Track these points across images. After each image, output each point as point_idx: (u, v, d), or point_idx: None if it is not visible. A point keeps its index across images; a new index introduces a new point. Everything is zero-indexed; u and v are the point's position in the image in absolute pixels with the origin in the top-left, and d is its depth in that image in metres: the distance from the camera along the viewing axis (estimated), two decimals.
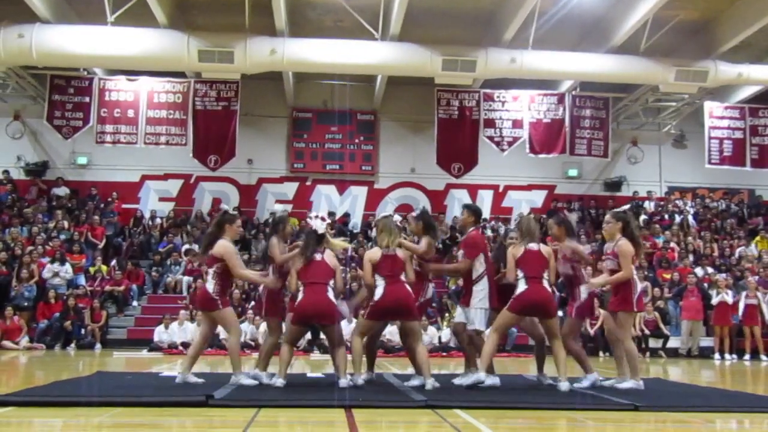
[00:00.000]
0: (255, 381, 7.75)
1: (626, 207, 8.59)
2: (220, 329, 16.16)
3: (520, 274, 7.60)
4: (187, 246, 19.41)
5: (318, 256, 7.63)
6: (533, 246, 7.67)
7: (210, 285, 7.78)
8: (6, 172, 20.89)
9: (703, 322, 17.43)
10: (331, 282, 7.62)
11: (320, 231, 7.63)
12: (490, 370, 7.74)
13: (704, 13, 17.58)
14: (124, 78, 19.02)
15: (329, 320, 7.59)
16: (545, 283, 7.61)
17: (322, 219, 7.82)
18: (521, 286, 7.57)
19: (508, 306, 7.61)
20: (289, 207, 20.69)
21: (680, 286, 17.93)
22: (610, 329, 8.34)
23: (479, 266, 7.97)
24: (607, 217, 8.28)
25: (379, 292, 7.57)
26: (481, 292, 7.91)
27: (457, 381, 8.16)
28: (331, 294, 7.55)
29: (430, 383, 7.50)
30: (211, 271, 7.82)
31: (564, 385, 7.49)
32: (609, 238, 8.05)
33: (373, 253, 7.70)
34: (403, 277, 7.62)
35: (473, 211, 8.37)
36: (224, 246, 7.79)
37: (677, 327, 17.57)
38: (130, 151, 19.86)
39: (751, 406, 7.07)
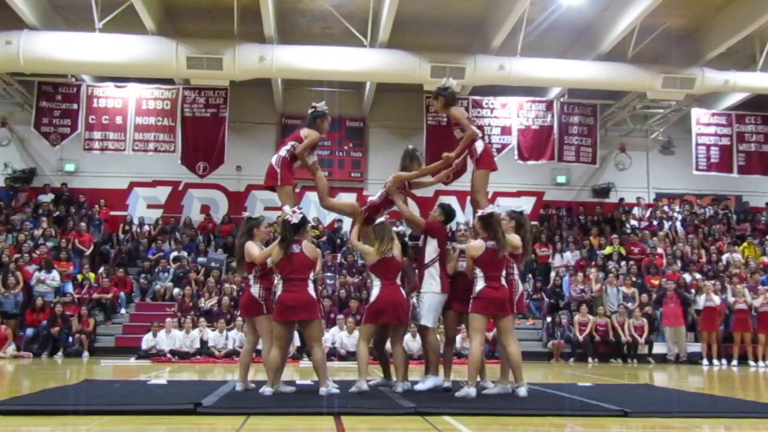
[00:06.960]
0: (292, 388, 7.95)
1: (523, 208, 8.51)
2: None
3: (479, 272, 7.46)
4: (175, 253, 19.34)
5: (296, 248, 7.44)
6: (491, 244, 7.48)
7: (255, 289, 7.75)
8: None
9: (687, 327, 17.45)
10: (311, 275, 7.55)
11: (294, 221, 7.46)
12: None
13: (691, 21, 17.70)
14: (113, 85, 18.98)
15: (309, 315, 7.44)
16: (503, 281, 7.49)
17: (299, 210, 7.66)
18: (479, 284, 7.44)
19: (471, 308, 7.46)
20: (279, 213, 20.70)
21: (659, 293, 17.80)
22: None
23: (432, 251, 7.95)
24: (503, 214, 8.10)
25: (374, 293, 7.71)
26: (432, 278, 7.89)
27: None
28: (311, 288, 7.46)
29: (401, 386, 7.68)
30: (251, 277, 7.81)
31: (522, 390, 7.41)
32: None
33: (371, 256, 7.76)
34: (398, 280, 7.72)
35: (446, 211, 8.44)
36: (245, 248, 7.79)
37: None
38: (118, 158, 19.82)
39: (739, 412, 7.08)
